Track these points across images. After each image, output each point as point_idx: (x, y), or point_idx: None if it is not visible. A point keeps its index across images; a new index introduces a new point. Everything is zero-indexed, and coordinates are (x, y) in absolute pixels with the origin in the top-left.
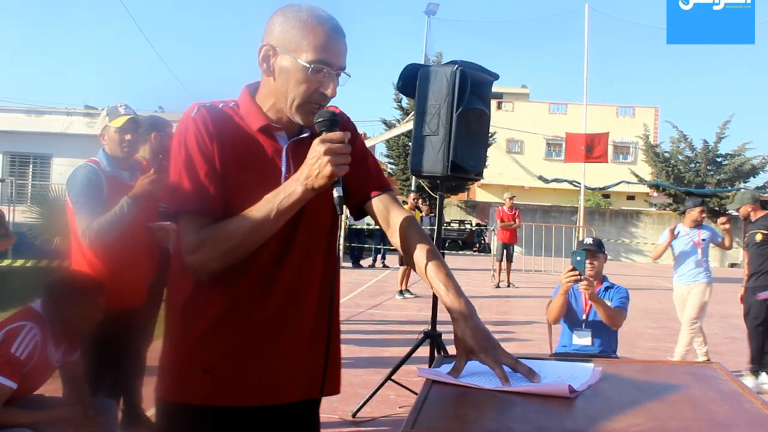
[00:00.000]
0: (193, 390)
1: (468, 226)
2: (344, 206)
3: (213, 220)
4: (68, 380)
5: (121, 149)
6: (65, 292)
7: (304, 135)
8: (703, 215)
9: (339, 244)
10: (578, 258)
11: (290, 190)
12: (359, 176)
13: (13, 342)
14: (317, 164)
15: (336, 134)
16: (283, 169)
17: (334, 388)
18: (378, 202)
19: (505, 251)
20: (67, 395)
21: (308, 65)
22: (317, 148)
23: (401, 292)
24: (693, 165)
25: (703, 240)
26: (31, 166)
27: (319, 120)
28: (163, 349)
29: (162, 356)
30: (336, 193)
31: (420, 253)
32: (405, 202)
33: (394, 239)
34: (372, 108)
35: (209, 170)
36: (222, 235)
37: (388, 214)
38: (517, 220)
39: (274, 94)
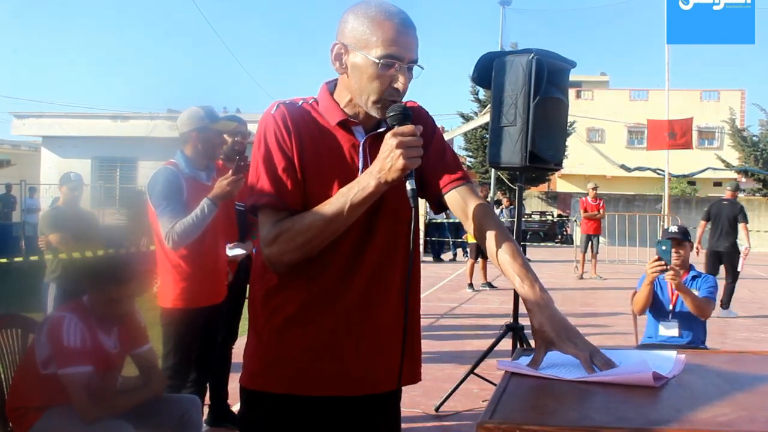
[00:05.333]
0: (275, 379)
1: (549, 218)
2: (424, 199)
3: (290, 214)
4: (143, 369)
5: (220, 151)
6: (107, 273)
7: (381, 129)
8: None
9: (420, 238)
10: (663, 247)
11: (364, 183)
12: (438, 169)
13: (62, 334)
14: (389, 158)
15: (407, 127)
16: (360, 163)
17: (414, 378)
18: (456, 194)
19: (590, 243)
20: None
21: (378, 61)
22: (389, 141)
23: (470, 285)
24: None
25: None
26: (118, 170)
27: (391, 114)
28: (247, 340)
29: (246, 347)
30: (409, 185)
31: (495, 243)
32: None
33: (471, 230)
34: (449, 102)
35: (287, 165)
36: (297, 228)
37: (466, 205)
38: (601, 211)
39: (349, 90)
